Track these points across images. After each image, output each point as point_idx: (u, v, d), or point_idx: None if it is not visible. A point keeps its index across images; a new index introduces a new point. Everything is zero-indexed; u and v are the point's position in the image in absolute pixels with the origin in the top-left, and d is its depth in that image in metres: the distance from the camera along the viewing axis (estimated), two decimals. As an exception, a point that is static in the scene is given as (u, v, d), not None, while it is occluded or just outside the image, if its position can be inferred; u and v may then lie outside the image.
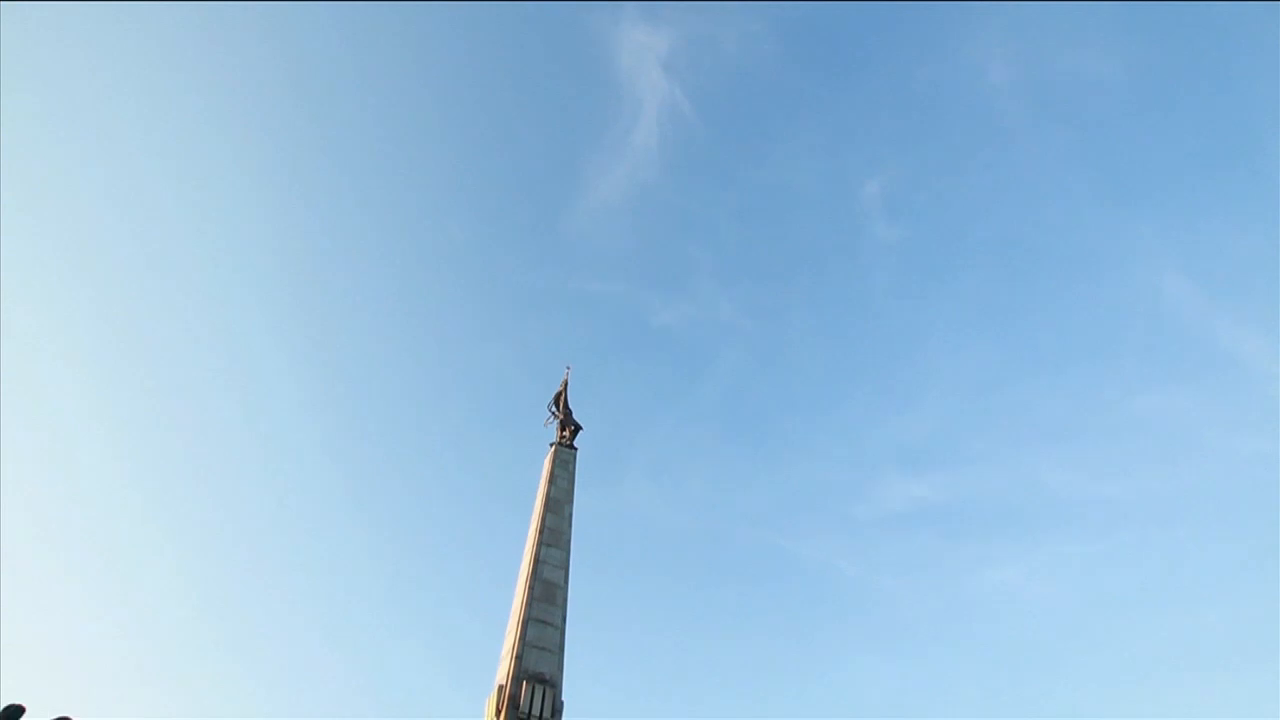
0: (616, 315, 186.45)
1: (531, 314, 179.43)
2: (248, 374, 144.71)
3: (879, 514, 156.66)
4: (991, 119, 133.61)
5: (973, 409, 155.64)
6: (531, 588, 32.33)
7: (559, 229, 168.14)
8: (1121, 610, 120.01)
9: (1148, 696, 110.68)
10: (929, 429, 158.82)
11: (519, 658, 29.54)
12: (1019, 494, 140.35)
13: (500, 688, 28.91)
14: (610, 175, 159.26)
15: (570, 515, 37.14)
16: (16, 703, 10.44)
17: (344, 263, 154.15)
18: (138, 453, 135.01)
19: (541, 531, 35.33)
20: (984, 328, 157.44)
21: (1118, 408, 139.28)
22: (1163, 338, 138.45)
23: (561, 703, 29.10)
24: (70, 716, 10.82)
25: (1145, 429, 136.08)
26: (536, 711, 28.00)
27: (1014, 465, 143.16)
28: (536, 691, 28.53)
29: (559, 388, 46.38)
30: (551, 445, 41.64)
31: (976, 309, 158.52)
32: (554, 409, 45.41)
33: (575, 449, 41.65)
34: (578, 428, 43.65)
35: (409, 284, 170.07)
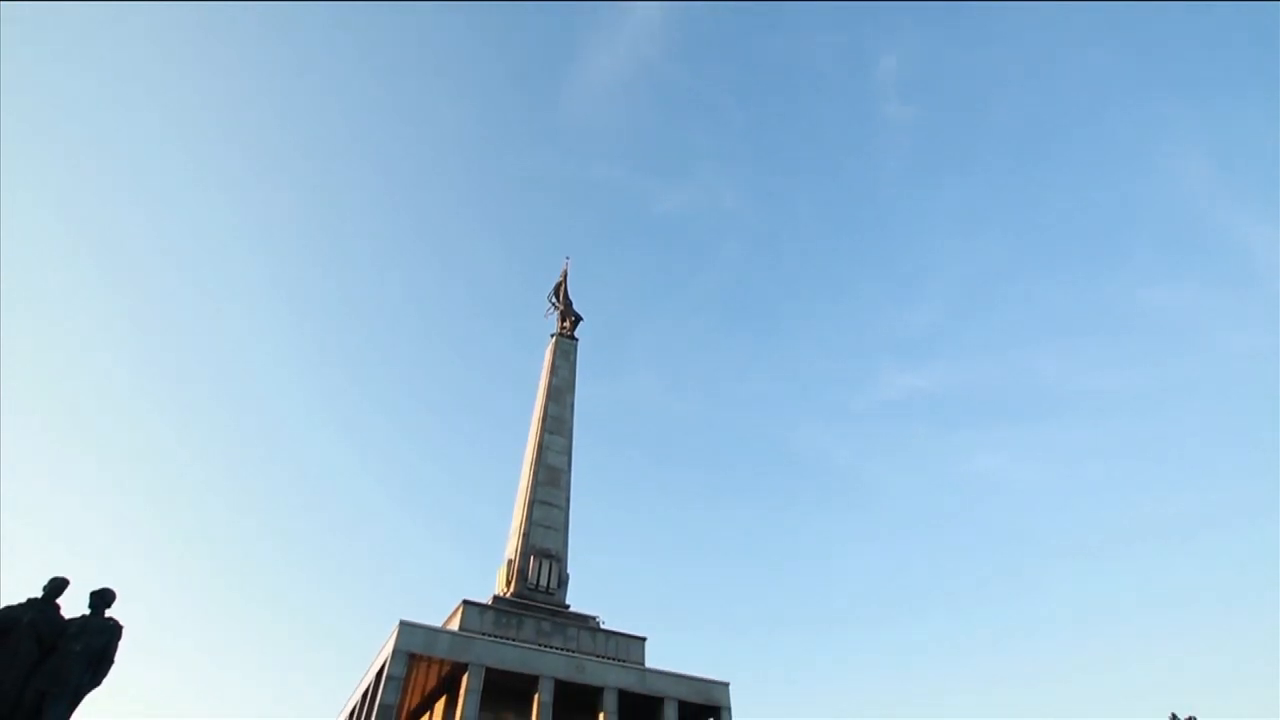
0: (616, 203, 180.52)
1: (529, 202, 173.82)
2: (241, 285, 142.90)
3: (874, 403, 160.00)
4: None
5: (975, 301, 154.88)
6: (536, 472, 33.65)
7: (556, 110, 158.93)
8: (1103, 494, 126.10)
9: (1124, 571, 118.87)
10: (929, 320, 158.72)
11: (526, 535, 31.28)
12: (1014, 385, 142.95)
13: (510, 562, 30.83)
14: (610, 51, 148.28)
15: (572, 404, 37.99)
16: (61, 575, 11.18)
17: (336, 155, 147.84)
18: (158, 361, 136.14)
19: (545, 420, 36.30)
20: (993, 218, 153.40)
21: (1121, 301, 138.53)
22: (1177, 229, 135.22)
23: (567, 575, 31.11)
24: (110, 588, 11.62)
25: (1146, 323, 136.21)
26: (543, 583, 29.97)
27: (1011, 357, 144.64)
28: (543, 565, 30.41)
29: (559, 279, 45.99)
30: (552, 336, 41.89)
31: (987, 198, 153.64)
32: (554, 300, 45.29)
33: (576, 339, 41.93)
34: (578, 318, 43.71)
35: (403, 175, 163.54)
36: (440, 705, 24.46)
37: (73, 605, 11.37)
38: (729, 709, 25.50)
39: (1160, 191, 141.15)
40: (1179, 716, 19.07)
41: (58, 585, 11.11)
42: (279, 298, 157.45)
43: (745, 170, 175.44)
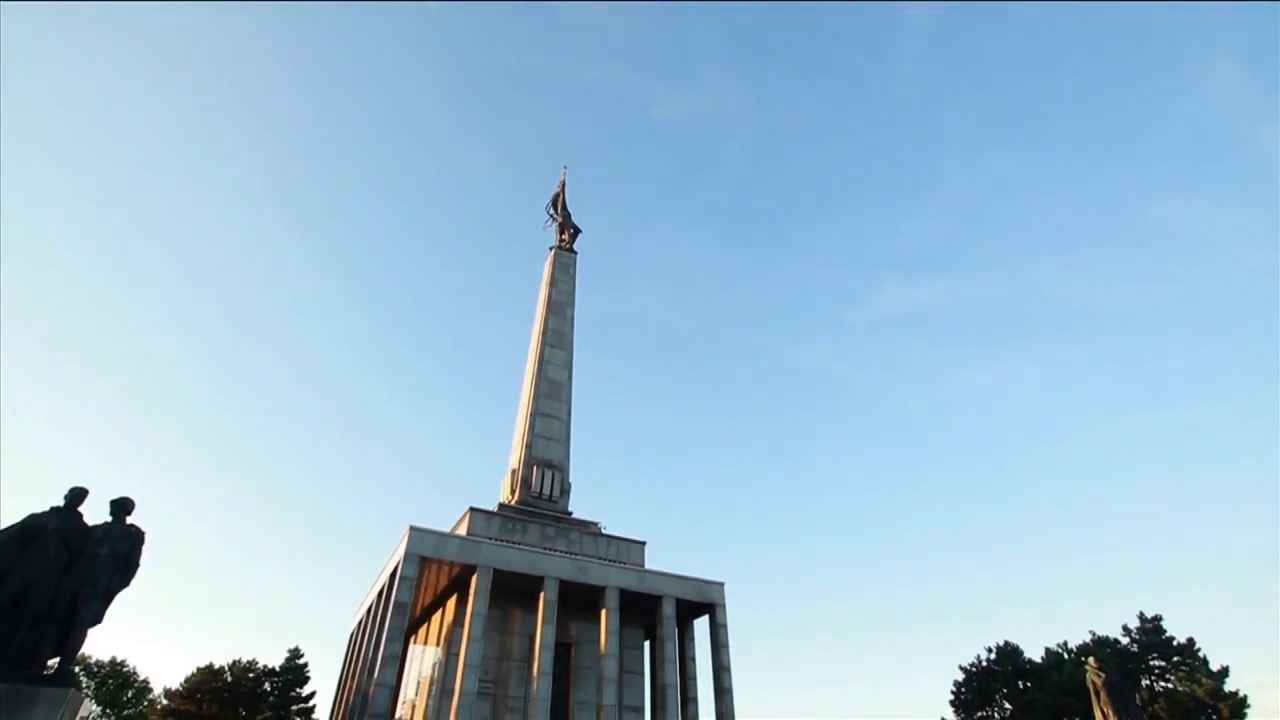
0: (615, 106, 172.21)
1: (525, 106, 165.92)
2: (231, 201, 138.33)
3: (875, 318, 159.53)
4: None
5: (981, 214, 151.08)
6: (537, 385, 34.02)
7: (548, 6, 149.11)
8: (1097, 409, 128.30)
9: (1112, 486, 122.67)
10: (934, 234, 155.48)
11: (529, 446, 32.02)
12: (1016, 301, 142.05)
13: (514, 471, 31.72)
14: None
15: (572, 317, 37.90)
16: (81, 485, 11.50)
17: (320, 60, 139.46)
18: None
19: (545, 333, 36.33)
20: (1007, 128, 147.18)
21: (1133, 215, 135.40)
22: (1196, 141, 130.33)
23: (569, 484, 32.10)
24: (129, 497, 11.98)
25: (1156, 237, 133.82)
26: (547, 492, 30.96)
27: (1016, 272, 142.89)
28: (546, 475, 31.30)
29: (556, 189, 44.73)
30: (551, 249, 41.20)
31: (1002, 107, 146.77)
32: (552, 211, 44.24)
33: (575, 252, 41.29)
34: (577, 231, 42.87)
35: (391, 78, 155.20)
36: (452, 602, 25.88)
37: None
38: (723, 606, 27.01)
39: (1183, 101, 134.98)
40: (1092, 664, 20.23)
41: (78, 494, 11.44)
42: (276, 213, 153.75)
43: (751, 71, 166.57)
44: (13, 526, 10.59)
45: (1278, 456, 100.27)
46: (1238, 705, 35.25)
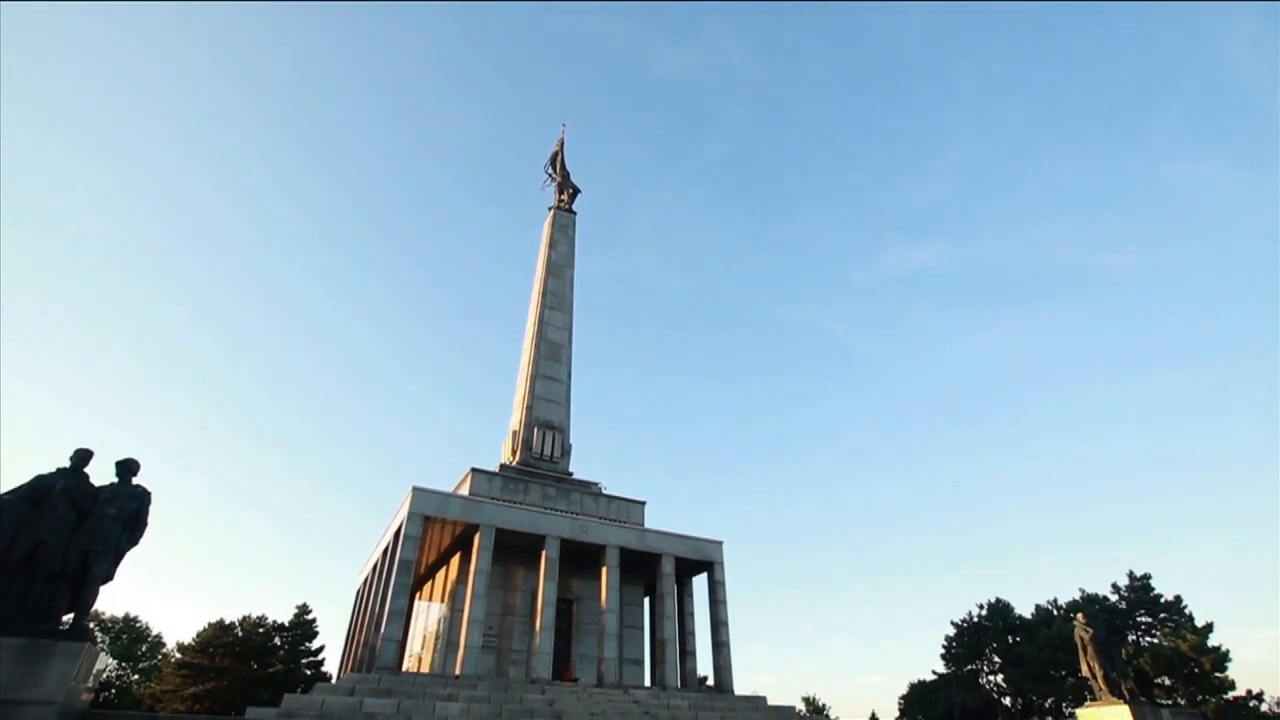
0: (615, 61, 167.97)
1: (522, 61, 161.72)
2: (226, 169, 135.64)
3: (877, 280, 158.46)
4: None
5: (989, 175, 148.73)
6: (537, 347, 34.03)
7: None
8: (1096, 372, 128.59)
9: (1107, 448, 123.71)
10: (939, 194, 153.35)
11: (529, 408, 32.19)
12: (1020, 263, 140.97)
13: (515, 433, 31.96)
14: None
15: (571, 279, 37.68)
16: (86, 447, 11.60)
17: (297, 21, 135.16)
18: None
19: (544, 295, 36.17)
20: (1017, 85, 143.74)
21: (1142, 177, 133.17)
22: (1209, 100, 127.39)
23: (569, 445, 32.38)
24: (135, 458, 12.10)
25: (1162, 199, 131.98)
26: (548, 453, 31.24)
27: (1020, 235, 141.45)
28: (547, 436, 31.55)
29: (555, 147, 43.98)
30: (551, 209, 40.70)
31: (1012, 64, 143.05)
32: (551, 171, 43.59)
33: (574, 213, 40.82)
34: (576, 191, 42.30)
35: (382, 34, 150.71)
36: (455, 560, 26.40)
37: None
38: (721, 564, 27.54)
39: (1197, 59, 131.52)
40: (1081, 619, 20.73)
41: (84, 455, 11.54)
42: (269, 180, 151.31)
43: (756, 24, 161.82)
44: (20, 487, 10.71)
45: (1272, 418, 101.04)
46: (1219, 659, 36.29)
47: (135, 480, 11.99)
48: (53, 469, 11.17)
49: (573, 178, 42.75)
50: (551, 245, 38.19)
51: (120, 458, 12.01)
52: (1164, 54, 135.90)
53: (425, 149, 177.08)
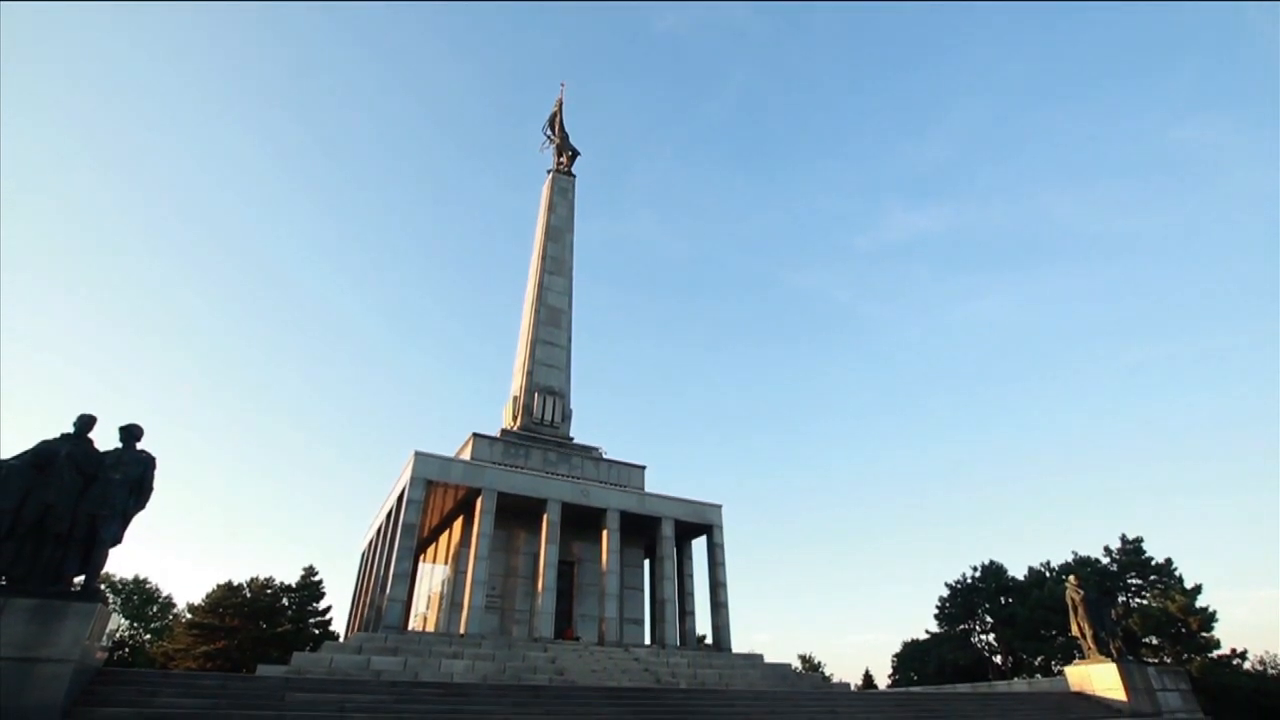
0: (614, 18, 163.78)
1: (519, 18, 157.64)
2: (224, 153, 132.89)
3: (878, 245, 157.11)
4: None
5: (993, 136, 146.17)
6: (537, 312, 33.92)
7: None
8: (1094, 339, 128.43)
9: (1100, 416, 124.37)
10: (942, 156, 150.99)
11: (530, 374, 32.24)
12: (1023, 228, 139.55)
13: (515, 398, 32.07)
14: None
15: (571, 243, 37.36)
16: (89, 413, 11.64)
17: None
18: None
19: (544, 260, 35.90)
20: (1023, 44, 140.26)
21: (1150, 139, 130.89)
22: (1221, 59, 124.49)
23: (570, 410, 32.52)
24: (138, 424, 12.17)
25: (1172, 162, 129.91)
26: (548, 418, 31.40)
27: (1024, 199, 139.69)
28: (547, 401, 31.66)
29: (554, 108, 43.16)
30: (549, 172, 40.13)
31: (1019, 21, 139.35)
32: (549, 133, 42.86)
33: (573, 176, 40.25)
34: (575, 153, 41.65)
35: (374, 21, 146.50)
36: (458, 524, 26.76)
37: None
38: (720, 527, 27.94)
39: (1212, 15, 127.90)
40: (1072, 581, 21.16)
41: (87, 421, 11.58)
42: (261, 147, 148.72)
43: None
44: (26, 452, 10.79)
45: (1271, 382, 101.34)
46: (1206, 619, 37.11)
47: (139, 446, 12.07)
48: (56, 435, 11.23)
49: (572, 140, 42.05)
50: (551, 209, 37.76)
51: (124, 424, 12.07)
52: (1175, 9, 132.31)
53: (421, 112, 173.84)
